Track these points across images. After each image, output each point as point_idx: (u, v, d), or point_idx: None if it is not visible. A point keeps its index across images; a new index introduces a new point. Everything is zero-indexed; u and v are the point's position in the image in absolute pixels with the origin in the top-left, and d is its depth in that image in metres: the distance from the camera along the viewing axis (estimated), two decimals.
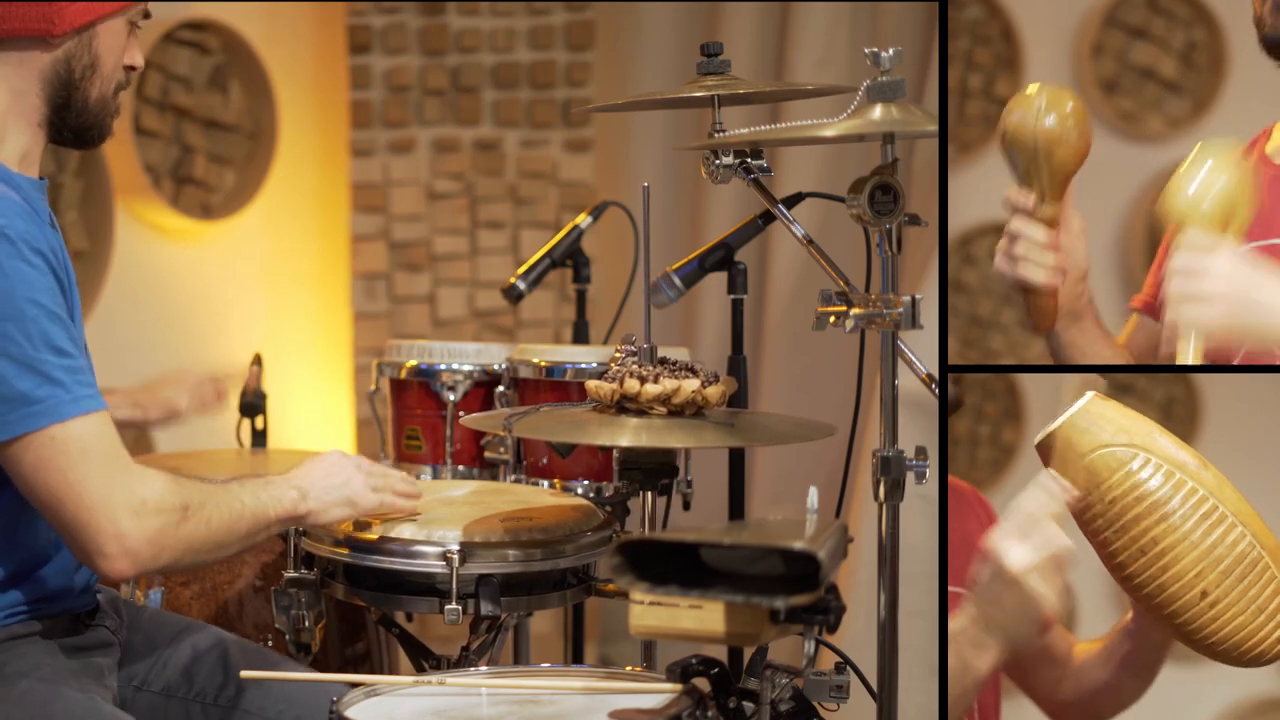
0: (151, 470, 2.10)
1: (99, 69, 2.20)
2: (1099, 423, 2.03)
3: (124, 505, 2.03)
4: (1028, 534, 1.94)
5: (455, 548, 2.30)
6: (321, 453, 2.36)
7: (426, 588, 2.34)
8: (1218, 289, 2.06)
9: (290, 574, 2.44)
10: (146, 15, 2.28)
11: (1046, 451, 2.06)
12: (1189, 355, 2.11)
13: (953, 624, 2.00)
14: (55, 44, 2.17)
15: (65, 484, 2.02)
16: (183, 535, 2.08)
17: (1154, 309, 2.43)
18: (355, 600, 2.42)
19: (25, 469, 2.03)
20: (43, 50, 2.17)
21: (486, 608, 2.32)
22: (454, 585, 2.29)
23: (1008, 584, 1.93)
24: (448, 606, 2.29)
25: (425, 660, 2.45)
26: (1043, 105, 2.20)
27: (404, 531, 2.34)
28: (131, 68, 2.27)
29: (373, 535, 2.35)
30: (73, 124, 2.22)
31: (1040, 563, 1.93)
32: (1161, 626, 2.03)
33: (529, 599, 2.40)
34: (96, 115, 2.23)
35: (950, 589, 2.32)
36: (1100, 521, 2.01)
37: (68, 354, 2.05)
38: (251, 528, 2.18)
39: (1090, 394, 2.06)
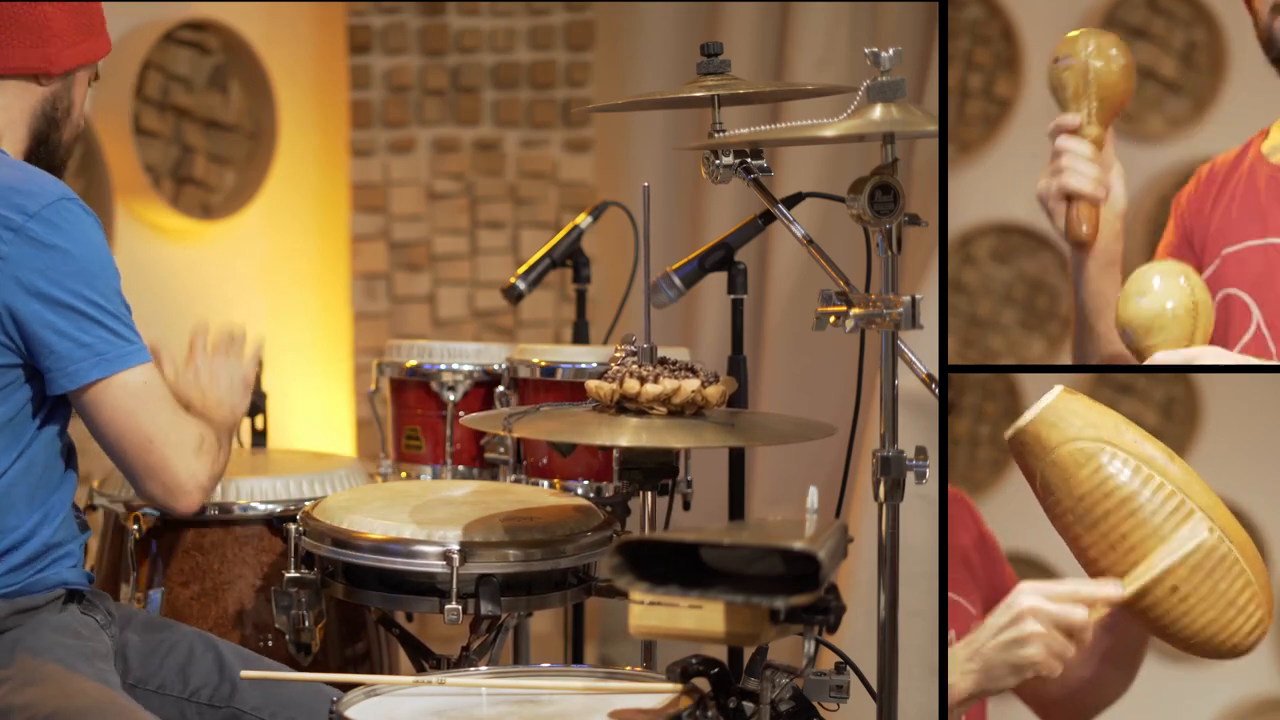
0: (195, 435, 2.29)
1: (72, 113, 2.40)
2: (1067, 418, 2.04)
3: (190, 445, 2.25)
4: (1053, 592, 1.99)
5: (455, 547, 2.30)
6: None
7: (427, 587, 2.34)
8: None
9: (291, 574, 2.44)
10: (97, 75, 2.46)
11: (1017, 448, 2.08)
12: None
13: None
14: (47, 84, 2.34)
15: (154, 424, 2.23)
16: (222, 461, 2.32)
17: None
18: (355, 600, 2.42)
19: (117, 408, 2.21)
20: (35, 86, 2.34)
21: (487, 607, 2.32)
22: (454, 585, 2.29)
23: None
24: (448, 606, 2.30)
25: (425, 660, 2.45)
26: (1090, 49, 2.32)
27: (405, 531, 2.34)
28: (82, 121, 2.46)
29: (374, 535, 2.35)
30: (46, 161, 2.37)
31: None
32: (1137, 620, 2.05)
33: (529, 599, 2.40)
34: (63, 157, 2.42)
35: (951, 597, 2.33)
36: (1070, 517, 2.03)
37: (128, 308, 2.26)
38: (228, 441, 2.37)
39: (1058, 389, 2.07)
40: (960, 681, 2.02)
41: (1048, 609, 1.98)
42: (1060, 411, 2.05)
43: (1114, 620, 2.25)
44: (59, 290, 2.17)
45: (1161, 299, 2.13)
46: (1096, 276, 2.35)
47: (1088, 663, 2.35)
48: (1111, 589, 2.00)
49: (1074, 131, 2.30)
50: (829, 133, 2.15)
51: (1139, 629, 2.15)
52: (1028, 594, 1.99)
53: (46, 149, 2.37)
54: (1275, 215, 2.32)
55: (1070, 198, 2.29)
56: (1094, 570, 2.05)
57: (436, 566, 2.31)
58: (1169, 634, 2.04)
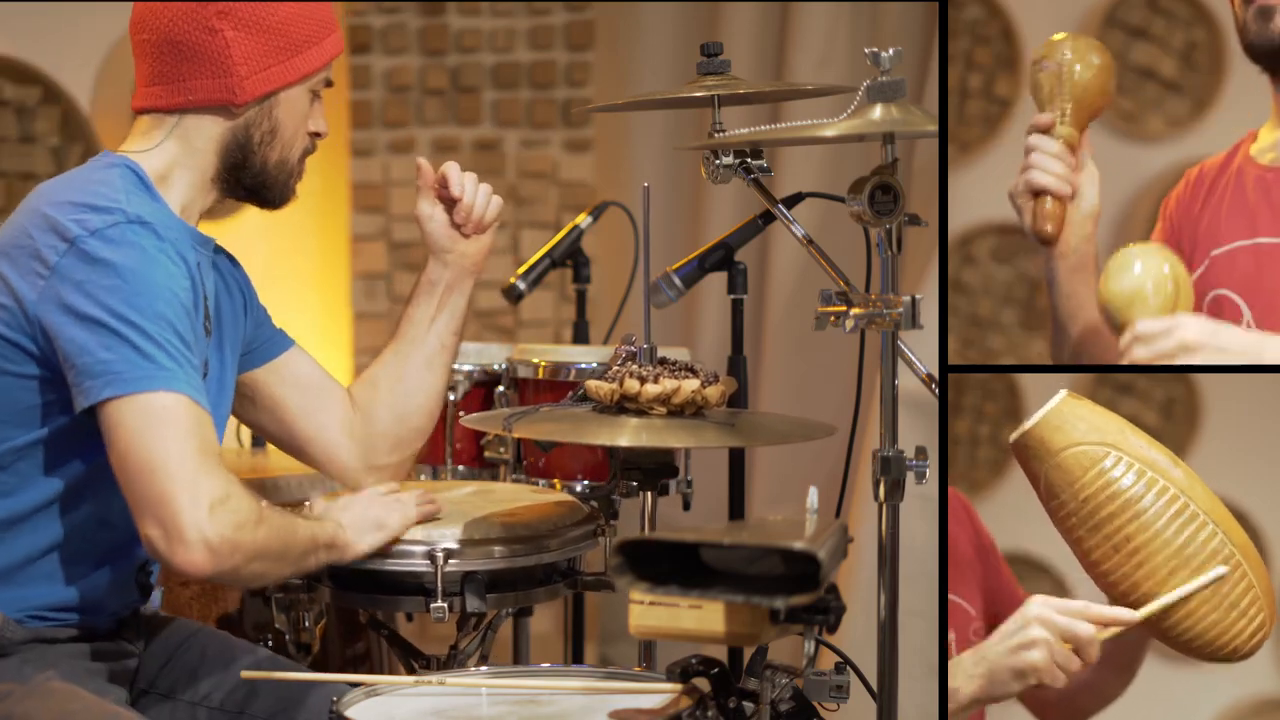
0: (223, 482, 2.08)
1: (279, 135, 2.30)
2: (1071, 421, 2.05)
3: (209, 495, 2.01)
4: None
5: (439, 546, 2.29)
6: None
7: (414, 587, 2.33)
8: (1186, 341, 2.03)
9: None
10: (329, 84, 2.35)
11: (1021, 451, 2.08)
12: None
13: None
14: (237, 113, 2.26)
15: (165, 452, 2.00)
16: (258, 539, 2.05)
17: None
18: (343, 603, 2.42)
19: (128, 428, 2.01)
20: (225, 118, 2.26)
21: (473, 604, 2.32)
22: (439, 583, 2.29)
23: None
24: (433, 605, 2.29)
25: (415, 660, 2.44)
26: (1069, 52, 2.33)
27: None
28: (316, 134, 2.35)
29: None
30: (248, 183, 2.32)
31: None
32: (1138, 623, 2.05)
33: (515, 595, 2.40)
34: (275, 177, 2.34)
35: (951, 597, 2.33)
36: (1074, 520, 2.03)
37: (190, 347, 2.09)
38: (306, 547, 2.17)
39: (1063, 393, 2.08)
40: (965, 686, 2.03)
41: (1055, 619, 1.99)
42: (1065, 415, 2.05)
43: None
44: (90, 303, 2.04)
45: (1142, 278, 2.07)
46: (1067, 279, 2.35)
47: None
48: (1124, 613, 2.01)
49: (1045, 130, 2.31)
50: (829, 133, 2.15)
51: (1138, 633, 2.15)
52: (1038, 604, 2.00)
53: (247, 173, 2.30)
54: (1264, 215, 2.33)
55: (1036, 194, 2.30)
56: (1096, 573, 2.05)
57: (421, 566, 2.30)
58: (1171, 638, 2.04)
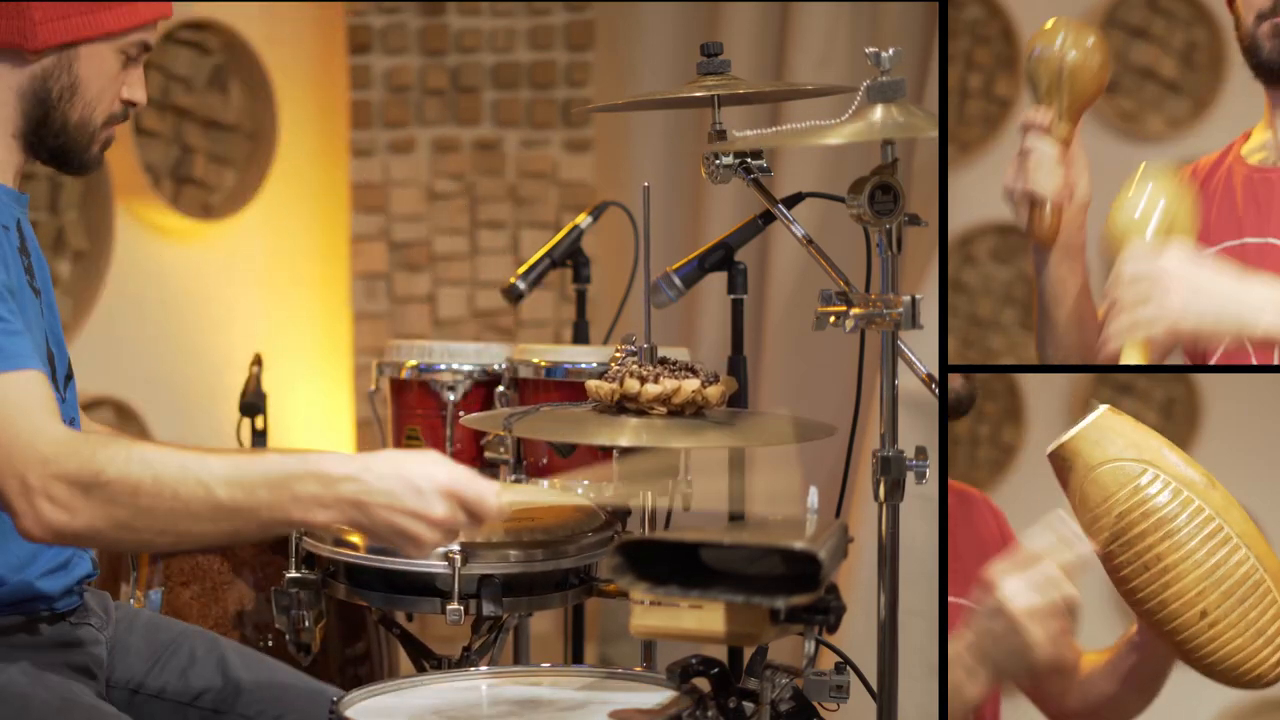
0: (66, 431, 1.96)
1: (80, 92, 2.20)
2: (1110, 436, 2.03)
3: (34, 461, 1.89)
4: (1030, 575, 1.98)
5: (457, 548, 2.30)
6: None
7: (428, 588, 2.34)
8: (1168, 298, 2.07)
9: (292, 574, 2.43)
10: (146, 48, 2.29)
11: (1058, 463, 2.07)
12: (1134, 358, 2.13)
13: (953, 644, 2.02)
14: (31, 60, 2.17)
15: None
16: (95, 504, 1.90)
17: None
18: (357, 600, 2.42)
19: None
20: (17, 64, 2.18)
21: (488, 608, 2.32)
22: (456, 585, 2.29)
23: (1004, 622, 1.97)
24: (449, 607, 2.30)
25: (426, 660, 2.45)
26: (1065, 40, 2.28)
27: None
28: (130, 102, 2.27)
29: None
30: (50, 144, 2.21)
31: (1040, 608, 1.96)
32: (1164, 642, 2.04)
33: (530, 599, 2.40)
34: (76, 140, 2.22)
35: (951, 598, 2.32)
36: (1107, 535, 2.02)
37: (5, 320, 1.99)
38: (229, 525, 1.95)
39: (1103, 407, 2.06)
40: (968, 685, 2.02)
41: (1041, 604, 1.97)
42: (1104, 429, 2.04)
43: (1142, 640, 2.25)
44: None
45: (1144, 218, 2.16)
46: (1056, 264, 2.35)
47: (1111, 679, 2.34)
48: (1072, 540, 2.01)
49: (1043, 129, 2.29)
50: (831, 139, 2.14)
51: (1164, 651, 2.15)
52: (1016, 590, 1.98)
53: (48, 132, 2.20)
54: (1251, 215, 2.33)
55: (1034, 201, 2.29)
56: (1124, 590, 2.03)
57: (438, 567, 2.31)
58: (1195, 659, 2.03)
